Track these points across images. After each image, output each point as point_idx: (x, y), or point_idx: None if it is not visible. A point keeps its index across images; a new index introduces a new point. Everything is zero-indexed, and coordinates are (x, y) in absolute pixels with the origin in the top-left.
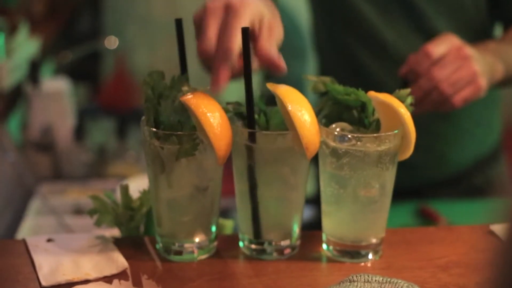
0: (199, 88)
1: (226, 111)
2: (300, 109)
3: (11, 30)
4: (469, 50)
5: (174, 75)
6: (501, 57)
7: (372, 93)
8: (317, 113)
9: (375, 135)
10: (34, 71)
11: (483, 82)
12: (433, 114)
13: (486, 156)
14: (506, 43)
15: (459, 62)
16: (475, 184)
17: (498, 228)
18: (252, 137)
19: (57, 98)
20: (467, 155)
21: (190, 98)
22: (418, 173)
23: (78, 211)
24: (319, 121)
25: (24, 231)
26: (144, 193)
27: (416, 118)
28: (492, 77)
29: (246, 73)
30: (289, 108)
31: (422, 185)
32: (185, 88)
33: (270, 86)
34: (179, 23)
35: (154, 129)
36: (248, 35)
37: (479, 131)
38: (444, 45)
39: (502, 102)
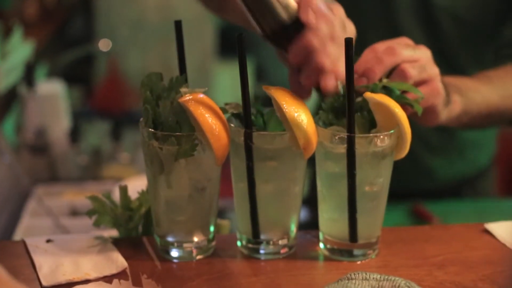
0: (197, 89)
1: (224, 111)
2: (296, 110)
3: (5, 33)
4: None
5: (173, 77)
6: (467, 93)
7: (368, 94)
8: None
9: (371, 135)
10: (28, 73)
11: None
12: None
13: (475, 174)
14: (482, 82)
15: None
16: (461, 194)
17: (492, 227)
18: (249, 137)
19: (52, 100)
20: (455, 171)
21: (188, 99)
22: (408, 178)
23: (73, 212)
24: (316, 122)
25: (20, 233)
26: (143, 194)
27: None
28: (449, 101)
29: (242, 74)
30: (285, 109)
31: (412, 190)
32: (183, 90)
33: (266, 88)
34: (178, 24)
35: (153, 130)
36: (242, 40)
37: (470, 152)
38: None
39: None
